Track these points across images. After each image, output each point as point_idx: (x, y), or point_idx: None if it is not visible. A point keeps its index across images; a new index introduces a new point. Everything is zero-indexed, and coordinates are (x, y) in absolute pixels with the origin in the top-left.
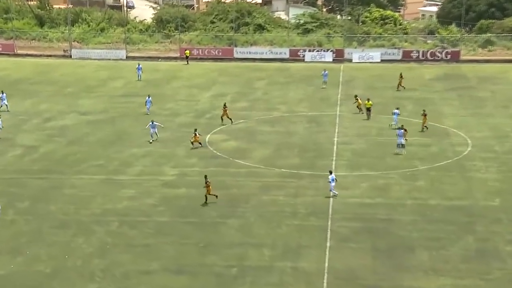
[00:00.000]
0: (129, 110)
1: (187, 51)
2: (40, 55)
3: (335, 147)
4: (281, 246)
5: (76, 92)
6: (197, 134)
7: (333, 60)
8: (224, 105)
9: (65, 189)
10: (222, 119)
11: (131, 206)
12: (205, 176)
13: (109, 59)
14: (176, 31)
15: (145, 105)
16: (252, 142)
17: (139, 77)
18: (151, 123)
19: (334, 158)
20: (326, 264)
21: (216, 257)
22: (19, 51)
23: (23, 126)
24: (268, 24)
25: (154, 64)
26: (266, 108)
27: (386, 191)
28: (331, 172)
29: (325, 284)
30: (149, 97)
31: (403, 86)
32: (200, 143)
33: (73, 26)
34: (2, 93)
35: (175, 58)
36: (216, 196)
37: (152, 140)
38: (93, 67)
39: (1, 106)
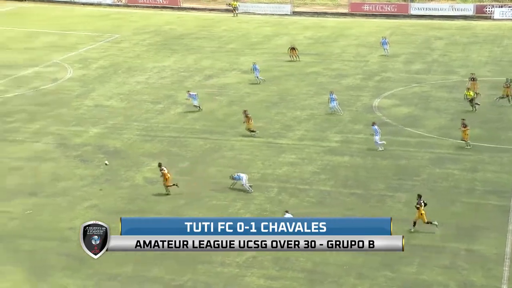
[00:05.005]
0: (294, 70)
1: None
2: (204, 9)
3: None
4: (454, 225)
5: (238, 48)
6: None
7: None
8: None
9: (225, 151)
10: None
11: (292, 173)
12: (159, 164)
13: (273, 15)
14: None
15: (252, 71)
16: (426, 109)
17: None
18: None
19: None
20: (508, 249)
21: None
22: (183, 5)
23: (185, 83)
24: None
25: (321, 20)
26: (444, 71)
27: None
28: (374, 124)
29: (506, 272)
30: (254, 65)
31: None
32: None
33: None
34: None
35: (344, 14)
36: (176, 185)
37: None
38: (256, 22)
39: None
